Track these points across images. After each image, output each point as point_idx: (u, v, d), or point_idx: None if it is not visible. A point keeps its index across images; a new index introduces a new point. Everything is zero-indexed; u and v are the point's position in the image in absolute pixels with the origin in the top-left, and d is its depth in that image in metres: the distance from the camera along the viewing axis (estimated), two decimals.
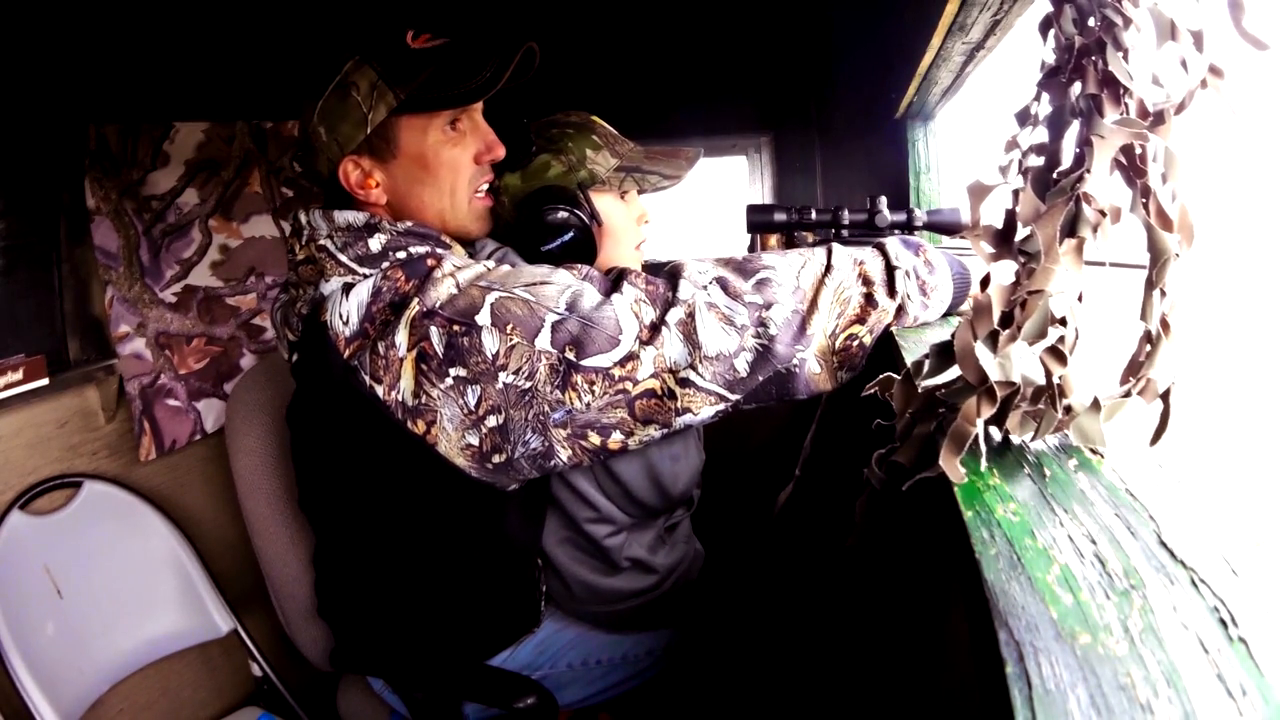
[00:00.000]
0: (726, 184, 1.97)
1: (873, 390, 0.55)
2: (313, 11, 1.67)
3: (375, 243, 0.80)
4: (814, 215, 1.00)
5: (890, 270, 0.77)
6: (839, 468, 1.13)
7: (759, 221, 1.02)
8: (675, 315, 0.73)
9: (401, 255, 0.80)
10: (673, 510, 1.06)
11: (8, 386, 1.22)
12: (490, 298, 0.74)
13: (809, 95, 1.77)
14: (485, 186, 0.90)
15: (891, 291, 0.77)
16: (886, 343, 0.78)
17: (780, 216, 1.01)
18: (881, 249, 0.79)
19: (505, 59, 0.81)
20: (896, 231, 0.98)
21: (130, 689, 1.41)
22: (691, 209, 2.10)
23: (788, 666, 1.08)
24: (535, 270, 0.79)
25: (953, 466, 0.46)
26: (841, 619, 1.09)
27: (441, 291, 0.75)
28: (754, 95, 1.82)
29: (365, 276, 0.79)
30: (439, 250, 0.83)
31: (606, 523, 0.98)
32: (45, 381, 1.27)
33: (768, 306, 0.73)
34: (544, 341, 0.72)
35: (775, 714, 1.01)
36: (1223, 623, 0.33)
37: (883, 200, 0.99)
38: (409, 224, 0.83)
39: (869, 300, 0.76)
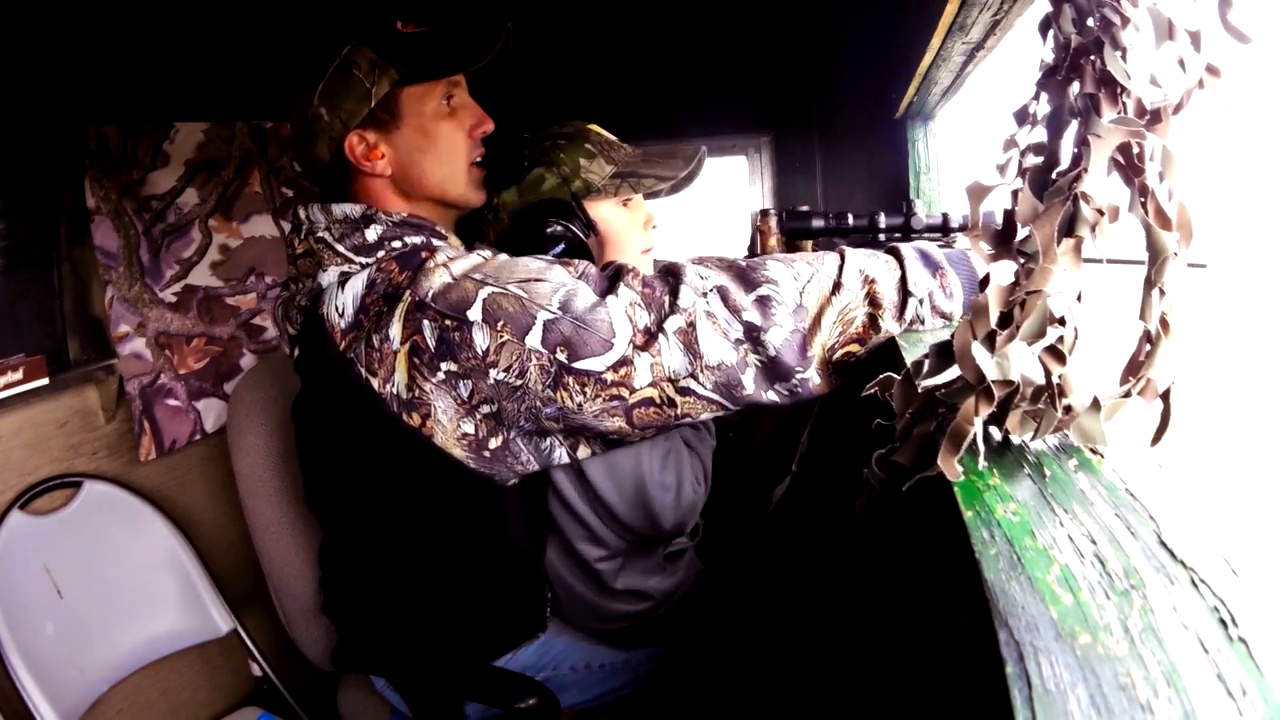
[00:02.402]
0: (726, 184, 1.96)
1: (873, 390, 0.55)
2: (312, 13, 1.67)
3: (371, 233, 0.81)
4: (851, 220, 0.99)
5: (904, 294, 0.75)
6: (836, 464, 1.13)
7: (797, 228, 1.01)
8: (674, 324, 0.71)
9: (397, 245, 0.81)
10: (670, 540, 1.05)
11: (8, 386, 1.22)
12: (483, 293, 0.73)
13: (809, 95, 1.77)
14: (479, 157, 0.93)
15: (900, 317, 0.75)
16: (887, 343, 0.78)
17: (818, 223, 1.00)
18: (901, 265, 0.76)
19: (492, 33, 0.86)
20: (928, 236, 0.96)
21: (130, 689, 1.41)
22: (691, 210, 2.09)
23: (788, 668, 1.08)
24: (531, 265, 0.77)
25: (950, 465, 0.46)
26: (841, 619, 1.08)
27: (435, 281, 0.75)
28: (754, 95, 1.82)
29: (362, 267, 0.80)
30: (434, 241, 0.83)
31: (599, 545, 0.97)
32: (45, 381, 1.27)
33: (766, 329, 0.72)
34: (534, 340, 0.72)
35: (777, 716, 1.01)
36: (1223, 623, 0.33)
37: (918, 204, 0.98)
38: (404, 214, 0.84)
39: (873, 323, 0.74)
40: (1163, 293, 0.46)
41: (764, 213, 1.83)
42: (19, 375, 1.23)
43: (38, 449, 1.33)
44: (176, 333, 1.53)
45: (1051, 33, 0.47)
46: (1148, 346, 0.48)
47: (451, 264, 0.77)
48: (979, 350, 0.45)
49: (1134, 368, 0.50)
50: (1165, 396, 0.48)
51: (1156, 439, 0.49)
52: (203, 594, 1.43)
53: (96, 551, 1.36)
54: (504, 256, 0.81)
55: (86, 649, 1.31)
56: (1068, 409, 0.49)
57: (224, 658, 1.58)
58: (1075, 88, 0.45)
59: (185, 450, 1.55)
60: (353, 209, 0.83)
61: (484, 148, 0.93)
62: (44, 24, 1.27)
